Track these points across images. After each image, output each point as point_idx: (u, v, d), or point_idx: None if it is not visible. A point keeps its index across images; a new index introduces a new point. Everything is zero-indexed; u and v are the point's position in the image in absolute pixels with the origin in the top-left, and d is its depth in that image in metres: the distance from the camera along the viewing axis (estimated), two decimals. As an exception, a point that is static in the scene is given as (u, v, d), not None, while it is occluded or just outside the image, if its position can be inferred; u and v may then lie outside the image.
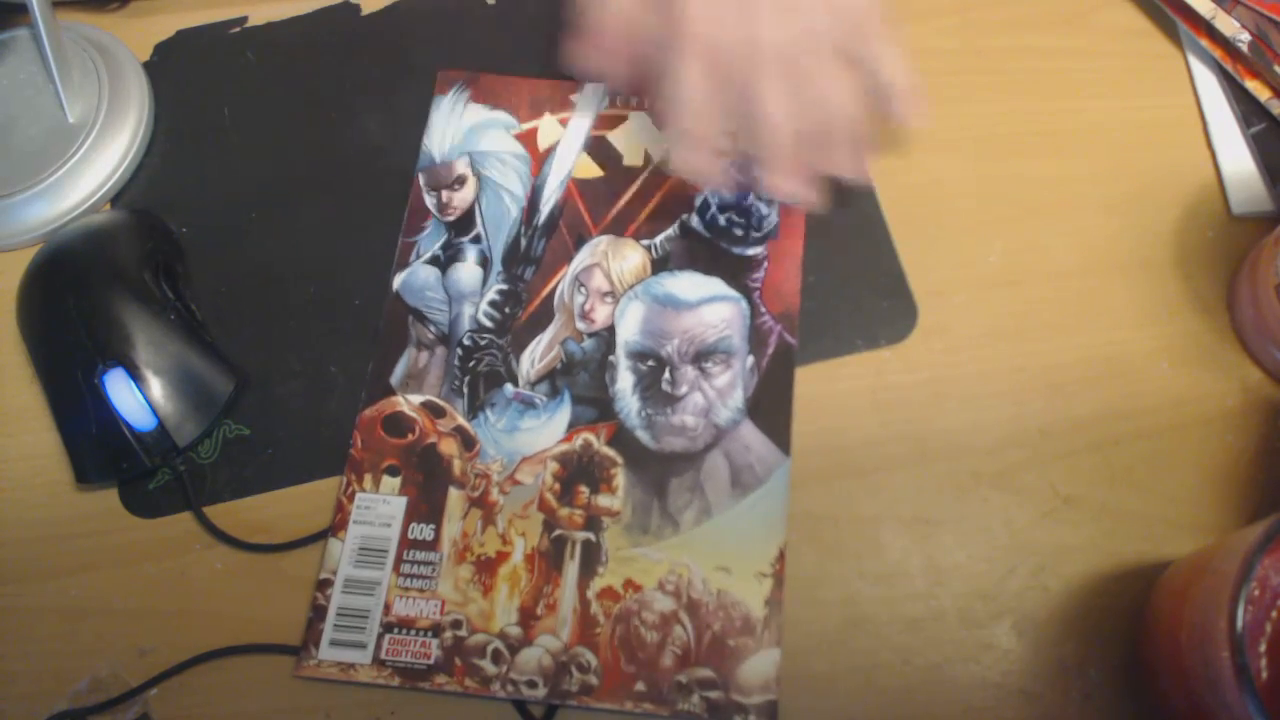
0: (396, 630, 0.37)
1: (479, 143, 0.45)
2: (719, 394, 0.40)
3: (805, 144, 0.37)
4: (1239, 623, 0.27)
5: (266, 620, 0.38)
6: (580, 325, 0.42)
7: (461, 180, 0.45)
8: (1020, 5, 0.47)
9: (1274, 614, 0.29)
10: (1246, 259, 0.40)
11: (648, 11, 0.37)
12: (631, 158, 0.45)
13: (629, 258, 0.43)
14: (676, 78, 0.36)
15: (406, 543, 0.38)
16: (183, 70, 0.49)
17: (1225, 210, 0.42)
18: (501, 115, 0.46)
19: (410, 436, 0.40)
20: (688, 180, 0.38)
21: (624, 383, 0.40)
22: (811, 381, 0.40)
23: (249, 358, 0.43)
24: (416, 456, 0.40)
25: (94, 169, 0.46)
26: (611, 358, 0.41)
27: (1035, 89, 0.45)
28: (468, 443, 0.40)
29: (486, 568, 0.38)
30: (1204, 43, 0.44)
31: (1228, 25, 0.43)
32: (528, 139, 0.45)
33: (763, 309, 0.41)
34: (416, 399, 0.41)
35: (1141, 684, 0.35)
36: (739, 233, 0.43)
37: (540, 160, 0.45)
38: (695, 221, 0.43)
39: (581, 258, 0.43)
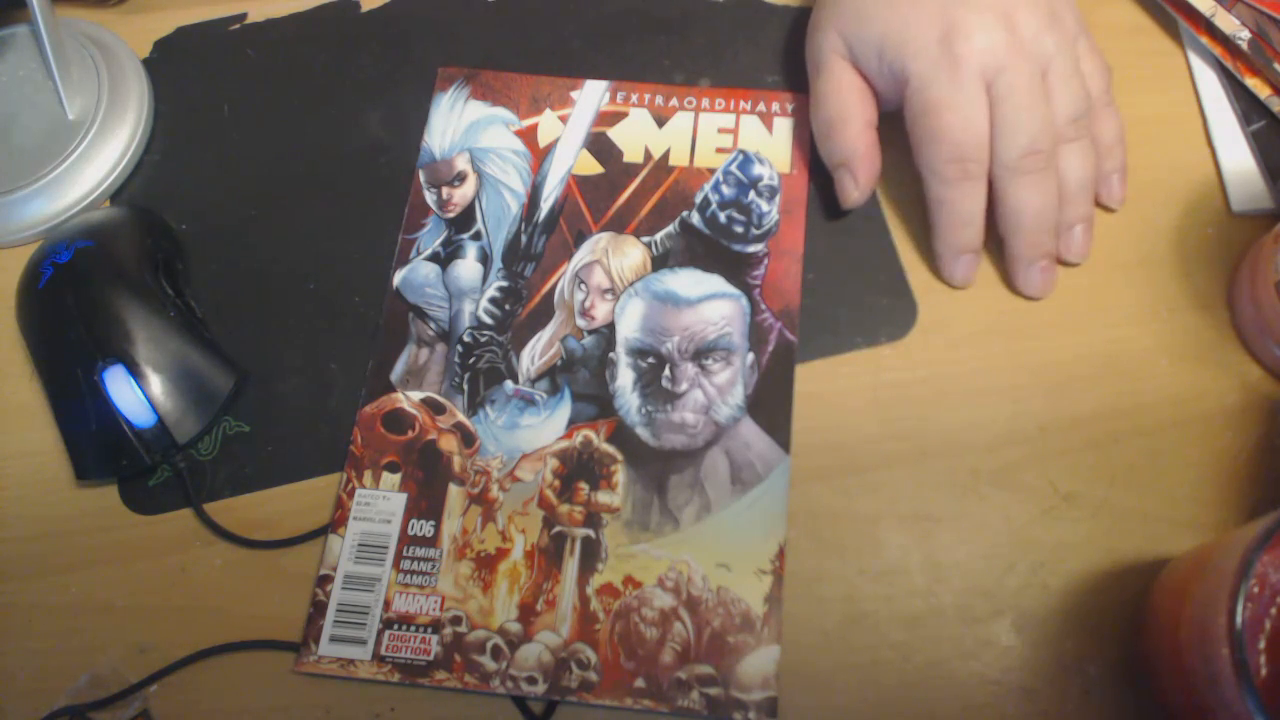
0: (396, 626, 0.37)
1: (479, 139, 0.45)
2: (719, 391, 0.40)
3: (1054, 230, 0.40)
4: (1238, 620, 0.28)
5: (266, 616, 0.38)
6: (580, 322, 0.42)
7: (462, 177, 0.45)
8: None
9: (1273, 611, 0.29)
10: (1246, 256, 0.40)
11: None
12: (632, 154, 0.45)
13: (629, 254, 0.43)
14: (948, 194, 0.39)
15: (406, 539, 0.38)
16: (182, 67, 0.49)
17: (1225, 208, 0.42)
18: (502, 112, 0.46)
19: (410, 433, 0.40)
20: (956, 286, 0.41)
21: (624, 379, 0.40)
22: (812, 379, 0.40)
23: (249, 354, 0.43)
24: (416, 453, 0.40)
25: (93, 166, 0.46)
26: (612, 354, 0.41)
27: (1035, 86, 0.45)
28: (468, 439, 0.40)
29: (486, 564, 0.38)
30: (1204, 40, 0.44)
31: (1227, 23, 0.43)
32: (528, 135, 0.45)
33: (763, 306, 0.41)
34: (416, 396, 0.41)
35: (1141, 681, 0.35)
36: (739, 230, 0.43)
37: (540, 157, 0.45)
38: (696, 219, 0.43)
39: (582, 254, 0.43)
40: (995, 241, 0.41)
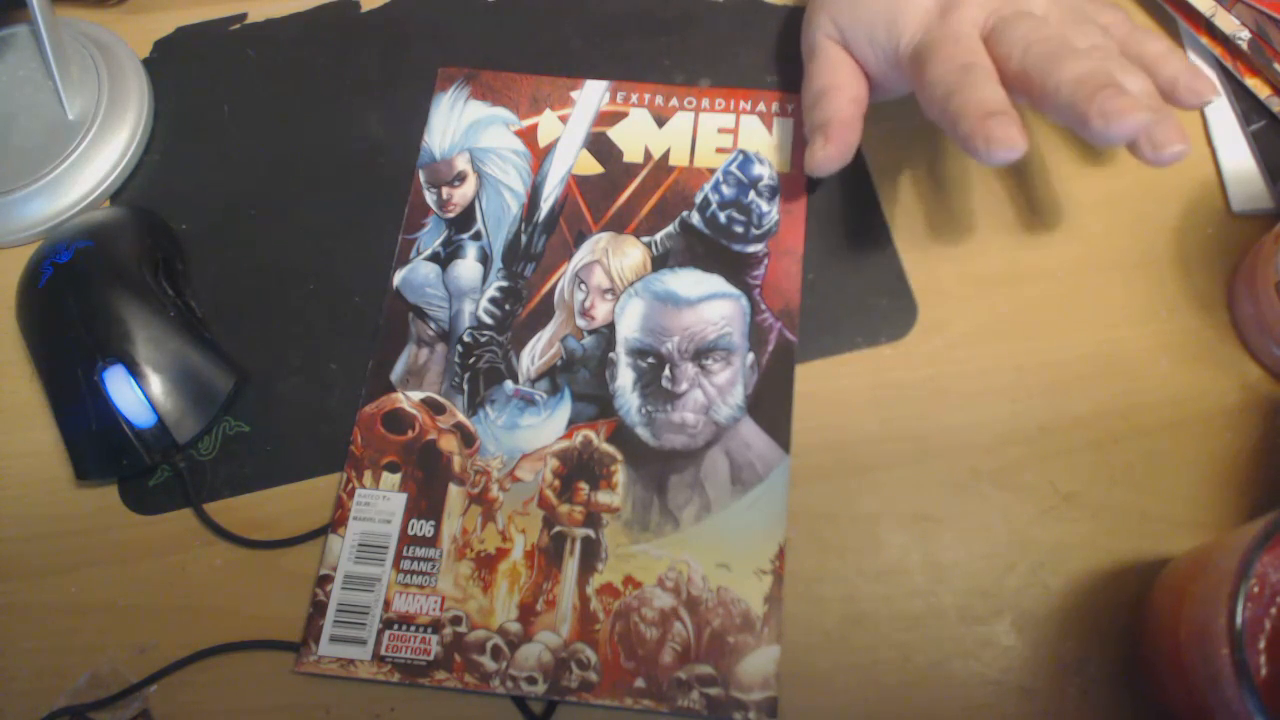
0: (396, 626, 0.37)
1: (479, 139, 0.45)
2: (719, 391, 0.40)
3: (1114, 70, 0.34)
4: (1238, 620, 0.28)
5: (266, 616, 0.38)
6: (580, 322, 0.42)
7: (462, 177, 0.45)
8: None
9: (1273, 611, 0.29)
10: (1246, 256, 0.40)
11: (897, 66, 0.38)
12: (632, 154, 0.45)
13: (629, 254, 0.43)
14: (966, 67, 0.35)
15: (406, 539, 0.38)
16: (182, 67, 0.49)
17: (1225, 207, 0.42)
18: (502, 112, 0.46)
19: (410, 433, 0.40)
20: (1004, 155, 0.33)
21: (624, 380, 0.40)
22: (812, 379, 0.40)
23: (249, 354, 0.43)
24: (416, 453, 0.40)
25: (93, 166, 0.46)
26: (612, 354, 0.41)
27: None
28: (468, 439, 0.40)
29: (486, 564, 0.38)
30: (1204, 40, 0.44)
31: (1227, 23, 0.43)
32: (528, 135, 0.45)
33: (763, 306, 0.41)
34: (417, 395, 0.41)
35: (1140, 681, 0.35)
36: (740, 230, 0.43)
37: (540, 157, 0.45)
38: (695, 218, 0.43)
39: (582, 254, 0.43)
40: (994, 246, 0.41)
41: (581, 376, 0.41)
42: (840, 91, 0.40)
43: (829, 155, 0.39)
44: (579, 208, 0.44)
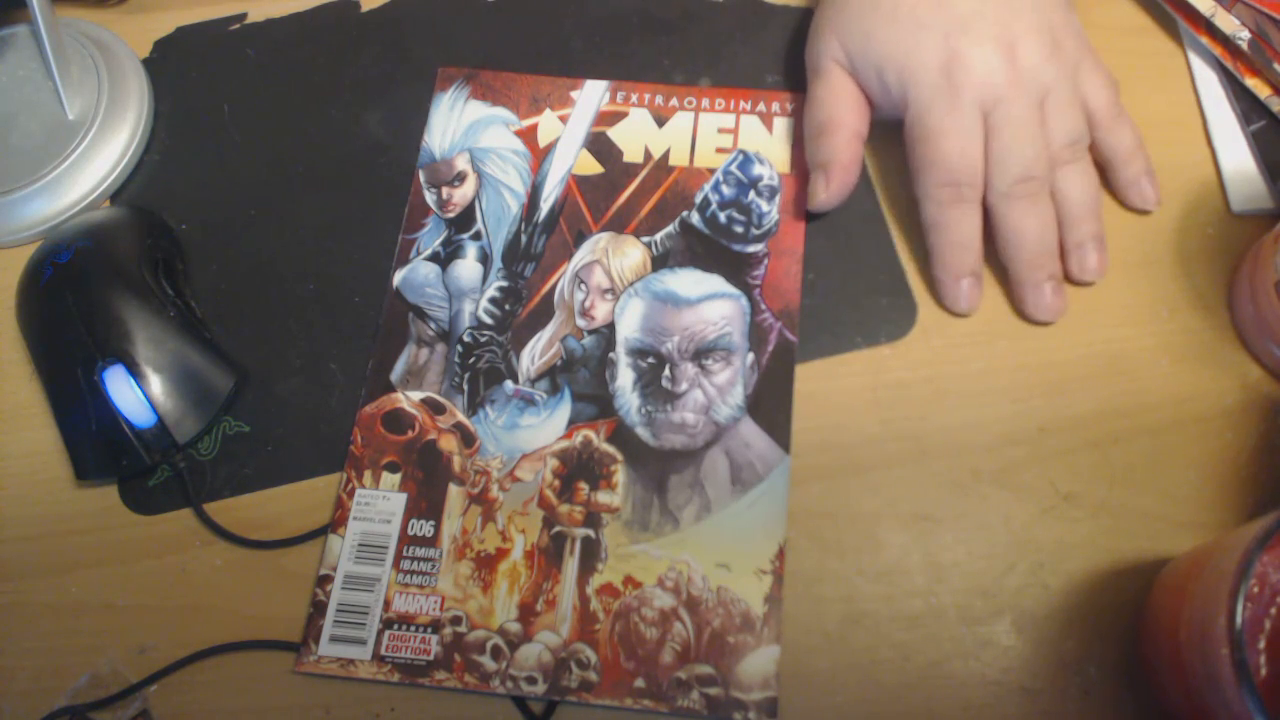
0: (396, 626, 0.37)
1: (479, 139, 0.45)
2: (719, 391, 0.40)
3: (1056, 252, 0.40)
4: (1238, 620, 0.28)
5: (266, 617, 0.38)
6: (580, 322, 0.42)
7: (462, 177, 0.45)
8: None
9: (1273, 611, 0.29)
10: (1246, 256, 0.40)
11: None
12: (632, 154, 0.45)
13: (629, 254, 0.43)
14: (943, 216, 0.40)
15: (406, 539, 0.38)
16: (182, 67, 0.49)
17: (1225, 208, 0.42)
18: (502, 112, 0.46)
19: (410, 433, 0.40)
20: (965, 312, 0.41)
21: (624, 379, 0.40)
22: (811, 379, 0.40)
23: (249, 354, 0.43)
24: (416, 453, 0.40)
25: (93, 166, 0.46)
26: (611, 354, 0.41)
27: (1035, 86, 0.45)
28: (468, 439, 0.40)
29: (486, 564, 0.38)
30: (1204, 40, 0.44)
31: (1227, 23, 0.43)
32: (528, 135, 0.45)
33: (763, 306, 0.41)
34: (416, 396, 0.41)
35: (1141, 681, 0.35)
36: (740, 230, 0.43)
37: (540, 157, 0.45)
38: (696, 219, 0.43)
39: (582, 254, 0.43)
40: (994, 246, 0.41)
41: (581, 376, 0.41)
42: (843, 128, 0.41)
43: (831, 196, 0.41)
44: (579, 208, 0.44)
